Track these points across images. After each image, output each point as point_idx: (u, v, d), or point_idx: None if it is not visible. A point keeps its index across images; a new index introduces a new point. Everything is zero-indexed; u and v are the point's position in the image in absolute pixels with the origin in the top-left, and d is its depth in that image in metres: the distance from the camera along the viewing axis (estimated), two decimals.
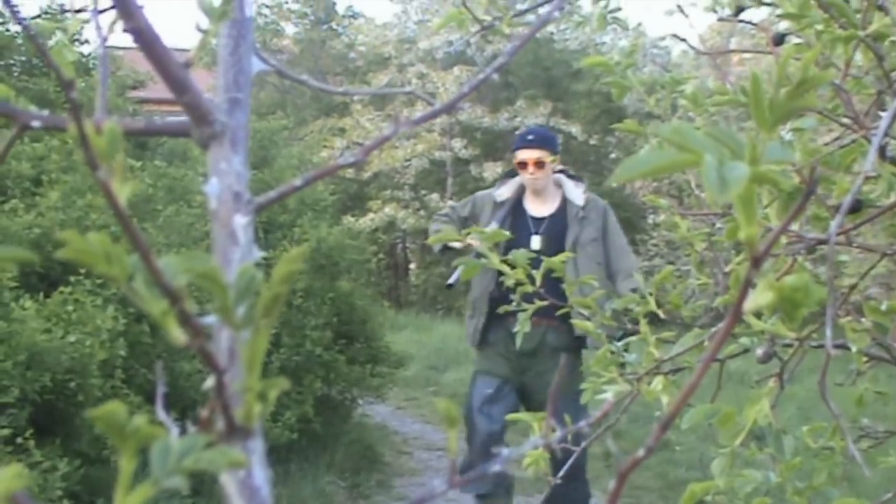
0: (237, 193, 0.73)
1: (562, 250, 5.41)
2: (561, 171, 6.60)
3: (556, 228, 6.30)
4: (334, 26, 26.45)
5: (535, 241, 6.21)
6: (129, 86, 10.96)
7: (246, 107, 0.77)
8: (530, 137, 6.35)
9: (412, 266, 24.42)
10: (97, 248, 0.63)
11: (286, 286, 0.66)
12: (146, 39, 0.71)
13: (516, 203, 6.42)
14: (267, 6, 25.60)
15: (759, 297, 0.59)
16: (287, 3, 26.12)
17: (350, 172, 21.84)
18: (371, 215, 21.37)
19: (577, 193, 6.39)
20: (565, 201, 6.38)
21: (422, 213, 21.85)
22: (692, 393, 0.61)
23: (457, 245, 5.91)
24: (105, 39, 0.87)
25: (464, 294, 21.02)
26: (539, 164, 6.26)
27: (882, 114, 1.49)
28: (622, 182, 0.52)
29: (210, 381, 0.66)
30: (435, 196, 22.05)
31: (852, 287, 1.94)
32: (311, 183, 0.75)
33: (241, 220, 0.73)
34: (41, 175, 7.26)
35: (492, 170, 21.99)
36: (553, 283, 5.53)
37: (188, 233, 7.56)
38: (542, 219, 6.35)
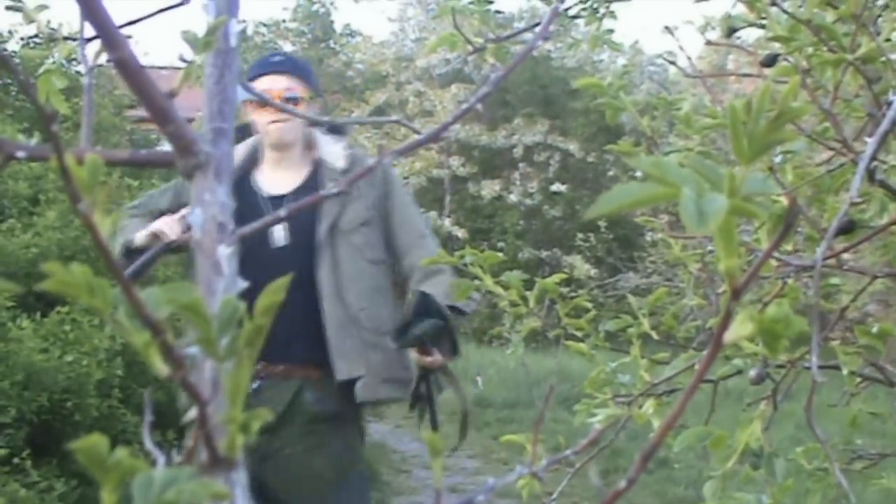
0: (221, 224, 0.73)
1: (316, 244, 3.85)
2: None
3: (308, 210, 3.81)
4: (332, 45, 26.49)
5: (279, 233, 3.82)
6: (127, 105, 10.97)
7: (230, 136, 0.77)
8: (277, 59, 3.98)
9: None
10: (80, 280, 0.63)
11: (269, 317, 0.66)
12: (130, 70, 0.71)
13: (242, 178, 3.95)
14: (265, 25, 25.67)
15: (739, 329, 0.59)
16: (285, 21, 26.17)
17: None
18: None
19: (334, 152, 3.96)
20: (318, 168, 3.96)
21: None
22: (674, 424, 0.61)
23: (142, 243, 3.72)
24: (91, 69, 0.87)
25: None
26: (291, 100, 3.86)
27: (868, 140, 1.49)
28: (598, 216, 0.52)
29: (193, 412, 0.66)
30: (433, 214, 22.07)
31: (843, 309, 1.94)
32: (294, 214, 0.75)
33: (224, 251, 0.73)
34: (38, 195, 7.26)
35: (490, 187, 22.03)
36: (303, 308, 3.87)
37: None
38: (283, 198, 3.85)
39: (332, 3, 26.29)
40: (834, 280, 2.04)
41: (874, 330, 1.79)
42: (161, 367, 0.64)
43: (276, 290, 0.65)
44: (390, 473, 9.58)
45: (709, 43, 2.02)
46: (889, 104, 1.57)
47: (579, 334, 2.25)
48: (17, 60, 9.06)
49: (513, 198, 22.18)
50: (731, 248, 0.56)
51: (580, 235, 21.18)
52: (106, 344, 5.88)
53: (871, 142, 1.42)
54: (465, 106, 0.79)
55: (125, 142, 10.38)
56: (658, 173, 0.54)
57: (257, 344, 0.66)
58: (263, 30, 25.52)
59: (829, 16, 1.83)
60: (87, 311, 5.97)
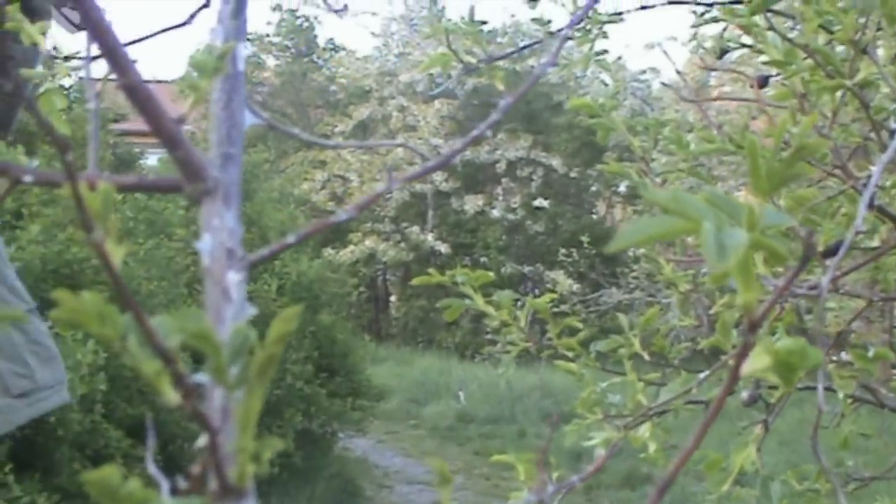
0: (230, 250, 0.73)
1: None
2: None
3: None
4: (315, 59, 26.47)
5: None
6: (111, 119, 10.95)
7: (239, 161, 0.77)
8: None
9: (393, 299, 24.41)
10: (90, 308, 0.63)
11: (280, 346, 0.65)
12: (139, 96, 0.71)
13: None
14: (248, 39, 25.58)
15: (755, 362, 0.59)
16: (269, 35, 26.16)
17: (330, 205, 21.89)
18: (351, 248, 21.36)
19: None
20: None
21: (402, 245, 21.88)
22: (687, 459, 0.61)
23: None
24: (97, 95, 0.87)
25: (446, 326, 21.07)
26: None
27: (872, 168, 1.50)
28: (620, 250, 0.52)
29: (203, 440, 0.66)
30: (416, 229, 22.08)
31: (839, 333, 1.95)
32: (304, 239, 0.75)
33: (234, 278, 0.72)
34: (22, 208, 7.25)
35: (472, 202, 22.04)
36: None
37: (168, 266, 7.55)
38: None
39: (315, 18, 26.28)
40: (830, 304, 2.05)
41: (870, 354, 1.79)
42: (172, 396, 0.64)
43: (288, 318, 0.65)
44: (373, 489, 9.58)
45: (705, 68, 2.03)
46: (891, 133, 1.57)
47: (570, 354, 2.25)
48: None
49: (495, 213, 22.19)
50: (750, 281, 0.56)
51: (563, 251, 21.20)
52: (89, 359, 5.86)
53: (875, 171, 1.42)
54: (474, 132, 0.79)
55: (109, 155, 10.36)
56: (678, 207, 0.54)
57: (269, 372, 0.66)
58: (247, 43, 25.41)
59: (821, 39, 1.84)
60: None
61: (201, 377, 0.67)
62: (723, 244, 0.53)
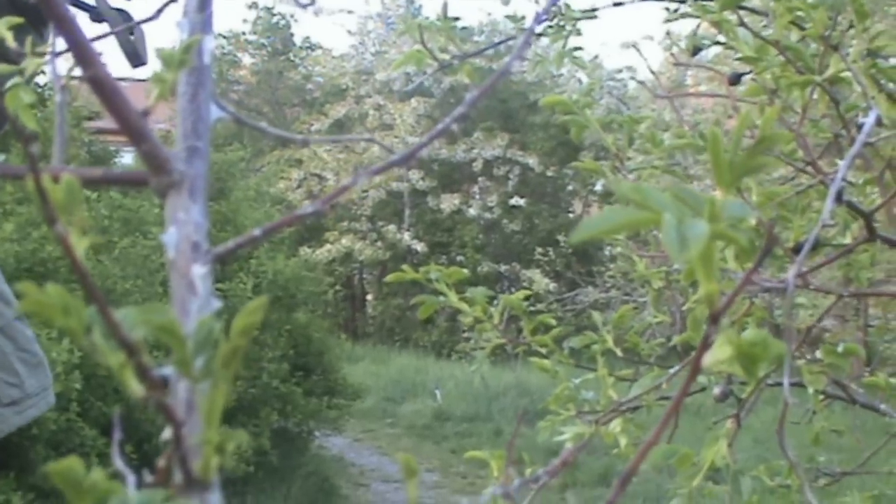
0: (195, 243, 0.73)
1: None
2: None
3: None
4: (291, 57, 26.40)
5: None
6: (85, 116, 10.90)
7: (205, 155, 0.76)
8: None
9: (369, 297, 24.39)
10: (55, 301, 0.63)
11: (246, 338, 0.65)
12: (105, 89, 0.71)
13: None
14: (224, 37, 25.53)
15: (717, 353, 0.59)
16: (244, 34, 26.08)
17: (307, 203, 21.85)
18: (328, 247, 21.33)
19: None
20: None
21: (379, 244, 21.86)
22: (648, 451, 0.61)
23: None
24: (63, 88, 0.86)
25: (422, 325, 21.05)
26: None
27: (840, 162, 1.50)
28: (582, 240, 0.52)
29: (168, 433, 0.66)
30: (392, 227, 22.07)
31: (809, 329, 1.96)
32: (270, 234, 0.74)
33: (199, 271, 0.72)
34: None
35: (449, 201, 22.03)
36: None
37: (144, 264, 7.53)
38: None
39: (292, 16, 26.20)
40: (800, 299, 2.06)
41: (840, 349, 1.80)
42: (136, 389, 0.64)
43: (253, 310, 0.65)
44: (349, 487, 9.57)
45: (677, 64, 2.04)
46: (859, 127, 1.58)
47: (543, 351, 2.25)
48: None
49: (472, 212, 22.19)
50: (711, 273, 0.56)
51: (539, 249, 21.22)
52: (64, 357, 5.84)
53: (842, 165, 1.43)
54: (439, 126, 0.79)
55: (83, 153, 10.32)
56: (639, 199, 0.54)
57: (234, 365, 0.65)
58: (223, 41, 25.35)
59: (794, 35, 1.84)
60: (44, 324, 5.94)
61: (166, 370, 0.66)
62: (684, 235, 0.53)
